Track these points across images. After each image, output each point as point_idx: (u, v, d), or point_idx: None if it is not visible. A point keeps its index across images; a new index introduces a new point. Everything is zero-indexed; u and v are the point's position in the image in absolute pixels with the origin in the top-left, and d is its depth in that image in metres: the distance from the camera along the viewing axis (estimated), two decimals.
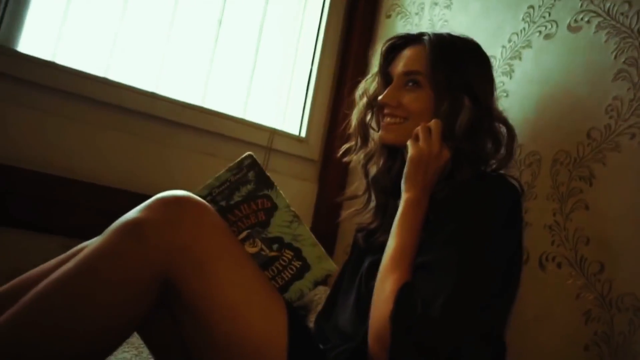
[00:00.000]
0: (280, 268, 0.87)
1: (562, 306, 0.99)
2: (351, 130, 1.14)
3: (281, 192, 0.87)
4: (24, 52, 1.39)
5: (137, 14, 1.58)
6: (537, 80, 1.16)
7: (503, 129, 0.98)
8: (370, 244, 1.06)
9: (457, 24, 1.44)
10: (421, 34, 1.04)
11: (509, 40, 1.25)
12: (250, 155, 0.87)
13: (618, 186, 0.96)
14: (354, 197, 1.16)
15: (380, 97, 1.03)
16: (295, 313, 0.83)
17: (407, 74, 1.01)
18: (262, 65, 1.78)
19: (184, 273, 0.76)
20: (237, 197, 0.86)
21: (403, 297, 0.79)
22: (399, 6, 1.71)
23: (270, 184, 0.87)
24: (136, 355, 1.10)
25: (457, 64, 0.99)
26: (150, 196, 0.82)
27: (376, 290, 0.85)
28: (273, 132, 1.67)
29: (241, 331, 0.75)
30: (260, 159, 1.58)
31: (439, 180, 0.94)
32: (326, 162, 1.77)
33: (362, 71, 1.78)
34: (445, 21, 1.48)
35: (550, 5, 1.17)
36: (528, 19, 1.22)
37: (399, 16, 1.70)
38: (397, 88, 1.02)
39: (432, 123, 0.95)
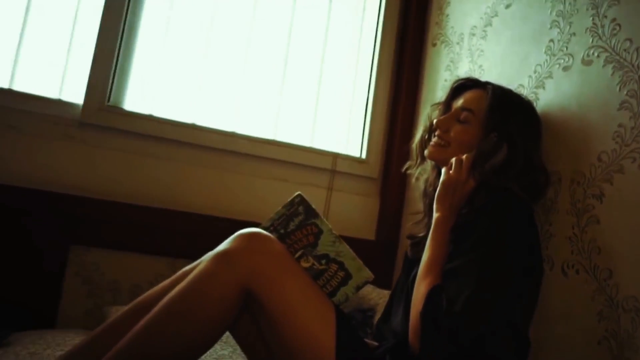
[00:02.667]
0: (328, 278, 1.12)
1: (580, 307, 1.15)
2: (413, 148, 1.37)
3: (324, 219, 1.13)
4: (129, 110, 1.73)
5: (214, 67, 1.88)
6: (557, 107, 1.32)
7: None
8: (416, 253, 1.27)
9: (491, 53, 1.61)
10: (487, 83, 1.27)
11: (534, 71, 1.41)
12: (299, 195, 1.15)
13: (623, 204, 1.10)
14: (417, 212, 1.39)
15: (435, 120, 1.26)
16: (341, 312, 1.07)
17: (463, 109, 1.23)
18: (325, 97, 2.03)
19: (260, 287, 1.02)
20: (291, 226, 1.12)
21: (432, 296, 1.00)
22: (443, 35, 1.89)
23: (315, 214, 1.13)
24: (232, 352, 1.39)
25: (507, 115, 1.20)
26: (234, 220, 1.13)
27: (413, 293, 1.07)
28: (335, 156, 1.91)
29: (301, 327, 1.00)
30: (325, 181, 1.84)
31: (465, 203, 1.15)
32: (385, 179, 1.99)
33: (414, 95, 1.98)
34: (482, 51, 1.65)
35: (567, 40, 1.32)
36: (549, 52, 1.37)
37: (443, 45, 1.88)
38: (451, 118, 1.24)
39: (465, 156, 1.17)
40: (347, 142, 2.05)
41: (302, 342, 1.00)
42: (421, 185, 1.36)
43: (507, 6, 1.57)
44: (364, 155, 2.01)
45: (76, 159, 1.67)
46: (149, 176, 1.73)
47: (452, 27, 1.85)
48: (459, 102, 1.25)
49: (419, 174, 1.37)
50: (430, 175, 1.34)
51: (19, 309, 1.51)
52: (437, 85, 1.88)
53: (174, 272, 1.20)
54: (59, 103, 1.69)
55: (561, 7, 1.36)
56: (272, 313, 1.02)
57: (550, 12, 1.39)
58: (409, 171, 1.41)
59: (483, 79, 1.58)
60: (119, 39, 1.73)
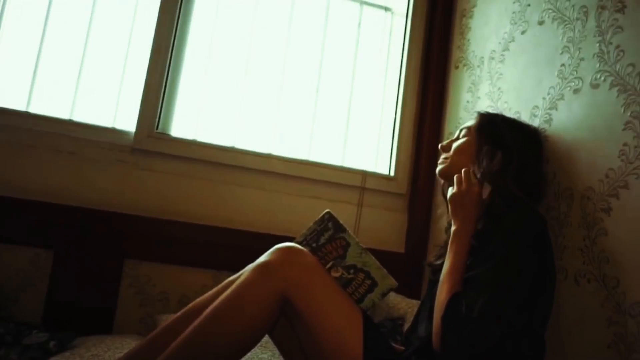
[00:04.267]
0: (356, 286, 1.24)
1: (591, 313, 1.24)
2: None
3: (351, 233, 1.25)
4: (176, 136, 1.90)
5: (251, 94, 2.04)
6: (569, 127, 1.41)
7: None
8: (436, 277, 1.39)
9: (509, 76, 1.71)
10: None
11: (548, 93, 1.51)
12: (328, 212, 1.28)
13: (628, 216, 1.19)
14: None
15: (439, 145, 1.45)
16: (368, 318, 1.19)
17: (461, 130, 1.41)
18: (355, 119, 2.17)
19: (296, 295, 1.14)
20: (322, 240, 1.25)
21: (452, 303, 1.11)
22: (465, 59, 2.00)
23: (343, 229, 1.26)
24: (271, 356, 1.51)
25: (497, 126, 1.36)
26: (272, 235, 1.28)
27: (436, 299, 1.18)
28: (365, 174, 2.04)
29: (332, 331, 1.12)
30: (355, 198, 1.97)
31: (483, 211, 1.25)
32: (413, 195, 2.10)
33: (439, 115, 2.10)
34: (500, 74, 1.76)
35: (577, 65, 1.42)
36: (561, 76, 1.47)
37: (465, 67, 1.99)
38: (452, 140, 1.42)
39: (467, 169, 1.30)
40: (376, 160, 2.18)
41: (333, 345, 1.12)
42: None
43: (523, 32, 1.68)
44: (392, 173, 2.13)
45: (129, 181, 1.85)
46: (194, 196, 1.89)
47: (472, 51, 1.97)
48: (463, 127, 1.44)
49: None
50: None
51: (81, 316, 1.69)
52: (460, 106, 1.99)
53: (218, 283, 1.34)
54: (113, 131, 1.87)
55: (571, 33, 1.46)
56: (307, 319, 1.14)
57: (562, 39, 1.49)
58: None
59: (501, 100, 1.70)
60: (166, 74, 1.91)
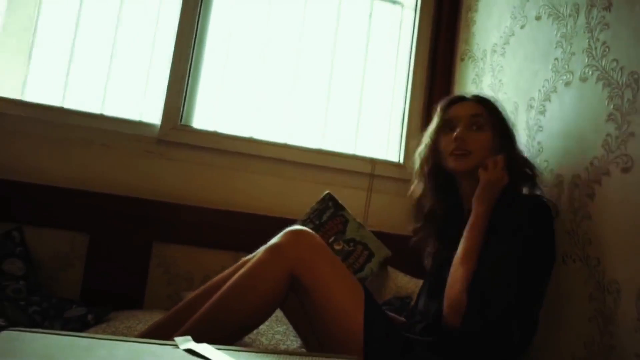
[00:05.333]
0: (357, 257, 1.39)
1: (576, 290, 1.35)
2: (418, 167, 1.56)
3: (349, 211, 1.41)
4: (198, 128, 2.05)
5: (268, 87, 2.17)
6: (560, 118, 1.51)
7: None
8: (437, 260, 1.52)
9: (509, 68, 1.81)
10: (470, 95, 1.50)
11: (543, 86, 1.60)
12: (328, 193, 1.45)
13: (608, 201, 1.30)
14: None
15: (455, 134, 1.40)
16: (369, 292, 1.30)
17: (473, 116, 1.42)
18: (366, 109, 2.28)
19: (303, 272, 1.25)
20: (324, 218, 1.41)
21: (474, 281, 1.24)
22: (470, 51, 2.10)
23: (342, 208, 1.43)
24: (286, 329, 1.66)
25: (506, 119, 1.47)
26: (286, 218, 1.45)
27: (451, 274, 1.29)
28: (374, 162, 2.16)
29: (335, 303, 1.24)
30: (366, 184, 2.09)
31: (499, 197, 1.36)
32: None
33: None
34: (501, 66, 1.86)
35: (568, 59, 1.51)
36: (555, 69, 1.56)
37: (470, 60, 2.09)
38: (465, 128, 1.41)
39: (498, 158, 1.37)
40: (386, 148, 2.29)
41: (336, 317, 1.25)
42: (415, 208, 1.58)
43: (522, 27, 1.77)
44: (401, 160, 2.25)
45: (156, 170, 2.00)
46: (215, 183, 2.04)
47: (477, 44, 2.06)
48: (460, 114, 1.43)
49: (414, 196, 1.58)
50: (423, 187, 1.54)
51: (115, 293, 1.86)
52: None
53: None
54: (140, 124, 2.03)
55: (564, 29, 1.55)
56: (313, 293, 1.27)
57: (556, 34, 1.58)
58: (413, 189, 1.59)
59: (502, 92, 1.80)
60: (188, 69, 2.06)
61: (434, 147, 1.49)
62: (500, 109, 1.47)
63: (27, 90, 2.01)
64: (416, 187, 1.57)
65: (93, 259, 1.89)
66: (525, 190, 1.44)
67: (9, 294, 1.63)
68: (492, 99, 1.50)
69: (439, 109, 1.51)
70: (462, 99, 1.50)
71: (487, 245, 1.29)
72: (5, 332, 0.92)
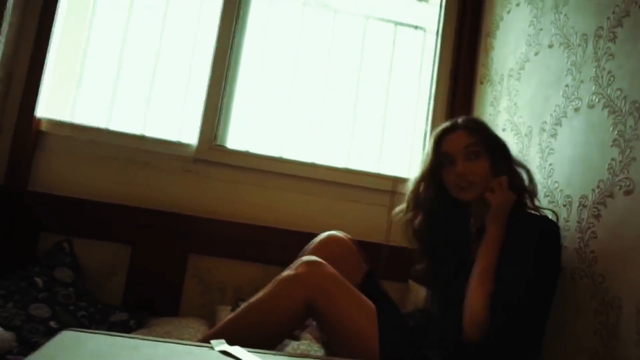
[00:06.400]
0: None
1: (583, 305, 1.43)
2: (408, 199, 1.63)
3: None
4: (231, 148, 2.20)
5: (296, 111, 2.32)
6: (570, 142, 1.60)
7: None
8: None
9: (524, 93, 1.90)
10: (460, 121, 1.56)
11: (554, 110, 1.70)
12: None
13: (613, 222, 1.38)
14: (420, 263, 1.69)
15: (457, 171, 1.48)
16: (383, 311, 1.39)
17: (467, 147, 1.48)
18: (389, 130, 2.40)
19: (319, 298, 1.34)
20: None
21: (493, 300, 1.33)
22: (488, 75, 2.20)
23: None
24: (310, 342, 1.78)
25: (499, 141, 1.55)
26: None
27: (471, 292, 1.36)
28: (396, 180, 2.27)
29: (351, 324, 1.33)
30: (387, 201, 2.20)
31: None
32: None
33: None
34: (517, 90, 1.95)
35: (577, 86, 1.60)
36: (565, 95, 1.65)
37: (488, 83, 2.19)
38: (463, 161, 1.48)
39: (502, 179, 1.44)
40: (409, 167, 2.40)
41: (352, 337, 1.33)
42: (410, 229, 1.62)
43: (536, 53, 1.87)
44: None
45: (192, 187, 2.16)
46: (247, 200, 2.18)
47: (495, 68, 2.16)
48: (455, 147, 1.50)
49: (405, 219, 1.63)
50: (418, 217, 1.61)
51: (154, 300, 2.02)
52: (484, 118, 2.17)
53: (266, 275, 1.62)
54: (178, 145, 2.20)
55: (574, 57, 1.64)
56: (328, 318, 1.35)
57: (566, 62, 1.67)
58: (399, 216, 1.66)
59: (517, 115, 1.90)
60: (222, 94, 2.22)
61: (434, 180, 1.56)
62: (490, 130, 1.57)
63: (77, 113, 2.20)
64: (412, 215, 1.62)
65: (134, 269, 2.05)
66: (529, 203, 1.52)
67: (59, 300, 1.79)
68: (481, 123, 1.59)
69: (432, 141, 1.56)
70: (453, 128, 1.53)
71: (502, 264, 1.38)
72: (64, 332, 1.07)
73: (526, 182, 1.51)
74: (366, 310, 1.38)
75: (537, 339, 1.42)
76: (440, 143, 1.54)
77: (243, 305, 1.39)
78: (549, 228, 1.43)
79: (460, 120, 1.55)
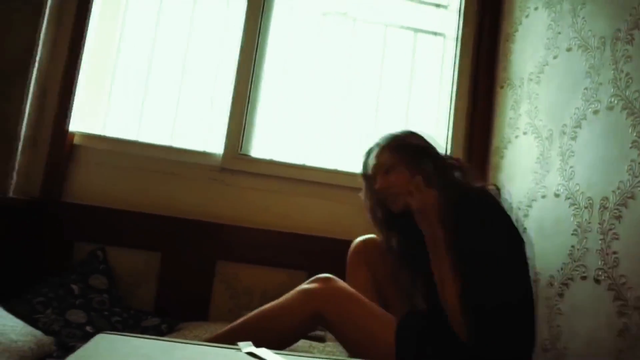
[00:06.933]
0: None
1: (606, 307, 1.44)
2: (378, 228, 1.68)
3: None
4: (256, 157, 2.26)
5: (319, 118, 2.36)
6: (590, 144, 1.61)
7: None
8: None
9: (544, 96, 1.92)
10: (375, 144, 1.63)
11: (574, 113, 1.71)
12: None
13: (633, 224, 1.39)
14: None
15: (376, 187, 1.56)
16: (405, 322, 1.41)
17: (381, 166, 1.56)
18: None
19: (328, 310, 1.42)
20: None
21: (463, 301, 1.33)
22: (509, 79, 2.21)
23: None
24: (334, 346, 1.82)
25: (410, 144, 1.58)
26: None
27: (442, 300, 1.36)
28: None
29: (363, 335, 1.39)
30: None
31: (443, 211, 1.39)
32: None
33: (488, 130, 2.31)
34: (537, 94, 1.96)
35: (596, 89, 1.61)
36: (584, 98, 1.66)
37: (508, 87, 2.20)
38: (383, 176, 1.55)
39: (417, 179, 1.41)
40: None
41: (362, 340, 1.39)
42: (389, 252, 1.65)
43: (555, 57, 1.88)
44: None
45: (219, 195, 2.23)
46: (272, 206, 2.24)
47: (515, 72, 2.18)
48: (373, 170, 1.59)
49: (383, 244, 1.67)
50: (391, 238, 1.64)
51: (184, 306, 2.08)
52: (505, 123, 2.20)
53: (292, 280, 1.67)
54: (204, 154, 2.26)
55: (592, 60, 1.65)
56: (337, 328, 1.43)
57: (585, 65, 1.68)
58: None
59: (537, 118, 1.91)
60: (246, 104, 2.28)
61: (376, 201, 1.63)
62: (398, 137, 1.60)
63: (107, 126, 2.29)
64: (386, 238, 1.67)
65: (164, 275, 2.12)
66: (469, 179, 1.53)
67: (95, 306, 1.87)
68: (392, 137, 1.61)
69: (363, 176, 1.68)
70: (369, 153, 1.65)
71: (458, 258, 1.35)
72: (99, 335, 1.13)
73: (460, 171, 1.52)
74: (381, 318, 1.42)
75: (527, 329, 1.41)
76: (364, 170, 1.66)
77: (257, 310, 1.48)
78: (475, 198, 1.41)
79: (374, 143, 1.64)
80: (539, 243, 1.81)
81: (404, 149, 1.56)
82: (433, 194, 1.40)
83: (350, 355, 1.47)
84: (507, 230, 1.42)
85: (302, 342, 1.66)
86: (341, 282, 1.50)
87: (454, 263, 1.35)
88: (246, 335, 1.33)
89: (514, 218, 1.50)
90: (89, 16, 2.19)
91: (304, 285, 1.50)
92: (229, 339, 1.39)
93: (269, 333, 1.42)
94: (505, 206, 1.48)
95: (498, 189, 1.52)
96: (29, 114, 2.02)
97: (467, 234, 1.36)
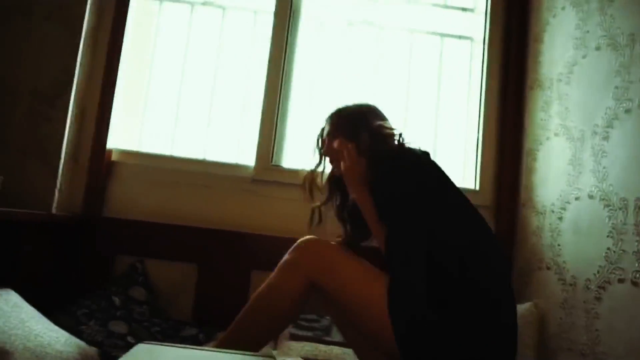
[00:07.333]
0: None
1: None
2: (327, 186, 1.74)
3: None
4: (287, 167, 2.30)
5: None
6: (623, 144, 1.58)
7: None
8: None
9: (574, 96, 1.89)
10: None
11: (605, 113, 1.68)
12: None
13: None
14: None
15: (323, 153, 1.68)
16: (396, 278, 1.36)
17: (326, 134, 1.65)
18: (441, 140, 2.43)
19: (318, 275, 1.41)
20: None
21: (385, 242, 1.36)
22: (538, 80, 2.19)
23: None
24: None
25: (347, 116, 1.62)
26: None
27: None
28: None
29: (358, 295, 1.35)
30: None
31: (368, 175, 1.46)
32: (498, 207, 2.31)
33: (519, 132, 2.29)
34: (567, 94, 1.94)
35: (627, 87, 1.58)
36: (615, 97, 1.64)
37: (538, 88, 2.18)
38: (328, 145, 1.63)
39: (349, 146, 1.51)
40: (463, 175, 2.41)
41: (362, 307, 1.34)
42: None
43: (584, 56, 1.85)
44: (477, 187, 2.35)
45: (252, 206, 2.27)
46: (304, 216, 2.26)
47: (544, 73, 2.15)
48: (325, 134, 1.67)
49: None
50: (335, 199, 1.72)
51: (220, 315, 2.12)
52: (536, 124, 2.17)
53: None
54: (237, 166, 2.32)
55: (622, 58, 1.62)
56: (334, 293, 1.39)
57: (615, 63, 1.66)
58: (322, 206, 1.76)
59: (569, 119, 1.89)
60: (276, 118, 2.33)
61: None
62: (346, 108, 1.65)
63: (143, 142, 2.37)
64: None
65: (201, 286, 2.17)
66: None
67: (135, 317, 1.93)
68: (341, 107, 1.67)
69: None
70: (322, 129, 1.70)
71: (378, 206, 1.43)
72: (140, 345, 1.18)
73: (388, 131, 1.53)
74: (373, 273, 1.38)
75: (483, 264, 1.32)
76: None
77: (252, 297, 1.49)
78: (386, 157, 1.44)
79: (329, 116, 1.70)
80: (574, 246, 1.79)
81: (345, 119, 1.63)
82: (361, 162, 1.49)
83: (344, 321, 1.48)
84: (422, 175, 1.42)
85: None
86: (324, 242, 1.49)
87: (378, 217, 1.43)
88: (251, 323, 1.43)
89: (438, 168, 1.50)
90: (123, 38, 2.28)
91: (287, 257, 1.48)
92: (237, 332, 1.44)
93: (270, 316, 1.43)
94: (428, 161, 1.50)
95: (427, 153, 1.53)
96: (69, 134, 2.11)
97: (380, 185, 1.42)
